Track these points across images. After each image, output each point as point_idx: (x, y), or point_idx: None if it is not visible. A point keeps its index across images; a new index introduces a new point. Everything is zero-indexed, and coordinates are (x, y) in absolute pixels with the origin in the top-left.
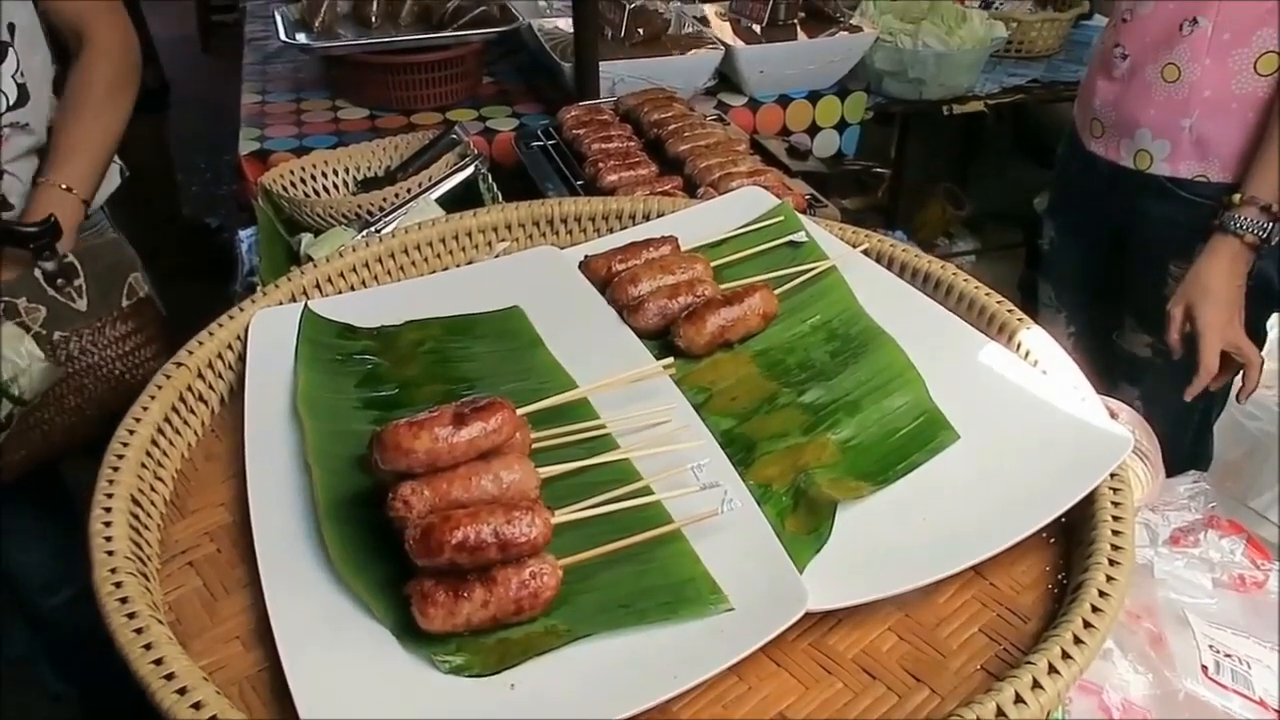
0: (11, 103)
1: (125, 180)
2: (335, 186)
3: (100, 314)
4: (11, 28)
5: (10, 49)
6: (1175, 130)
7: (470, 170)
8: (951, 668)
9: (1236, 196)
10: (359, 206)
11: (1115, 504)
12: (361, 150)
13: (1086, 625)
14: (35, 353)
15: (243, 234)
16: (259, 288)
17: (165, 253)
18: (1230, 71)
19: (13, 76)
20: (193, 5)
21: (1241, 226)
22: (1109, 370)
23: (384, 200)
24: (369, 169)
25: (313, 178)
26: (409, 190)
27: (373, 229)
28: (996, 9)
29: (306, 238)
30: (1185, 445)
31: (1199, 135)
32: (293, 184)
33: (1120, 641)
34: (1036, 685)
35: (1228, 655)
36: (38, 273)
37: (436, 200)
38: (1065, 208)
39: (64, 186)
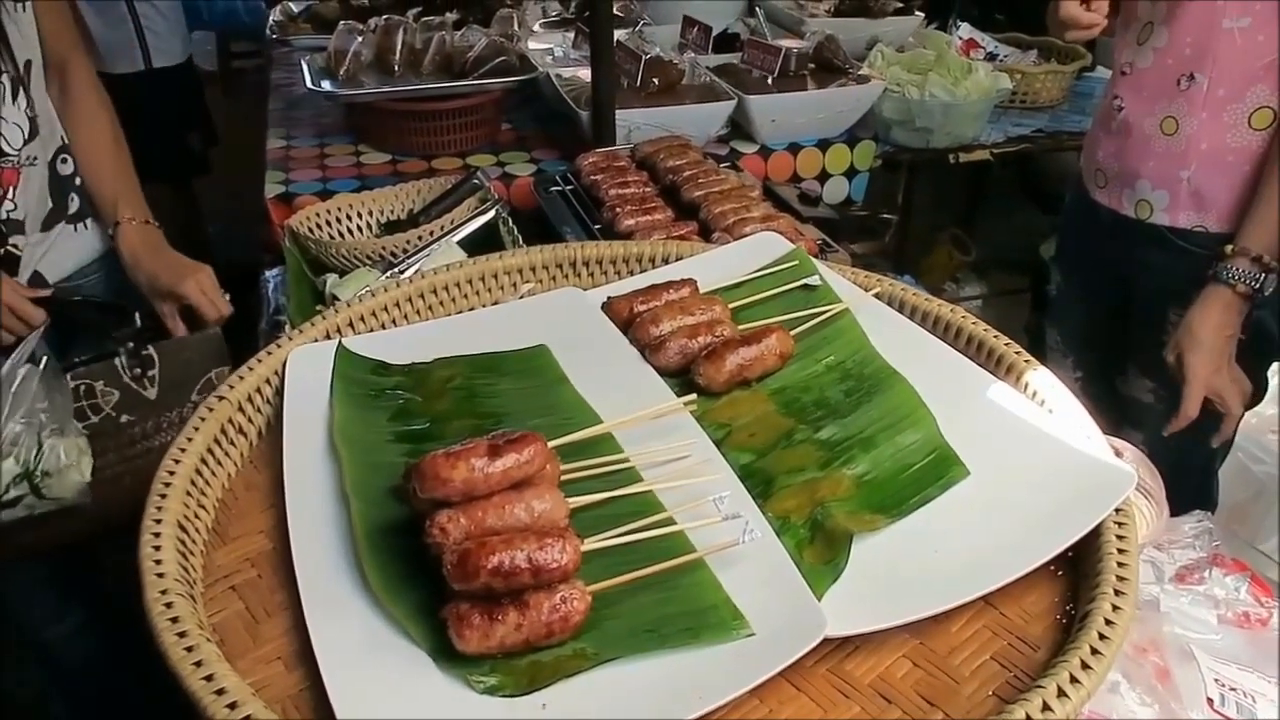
0: (26, 136)
1: None
2: (359, 229)
3: (170, 404)
4: (28, 64)
5: (23, 86)
6: (1174, 181)
7: (491, 214)
8: (964, 693)
9: (1229, 247)
10: (383, 248)
11: (1120, 538)
12: (385, 194)
13: (1094, 652)
14: (82, 474)
15: (268, 274)
16: (287, 326)
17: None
18: (1226, 125)
19: (25, 111)
20: (214, 50)
21: (1233, 277)
22: (1113, 414)
23: (407, 242)
24: (392, 212)
25: (337, 220)
26: (431, 233)
27: (396, 270)
28: (1001, 61)
29: (332, 278)
30: (1189, 489)
31: (1196, 187)
32: (318, 226)
33: (1128, 674)
34: (1046, 708)
35: (1232, 689)
36: (118, 362)
37: (458, 243)
38: (1071, 255)
39: (144, 220)
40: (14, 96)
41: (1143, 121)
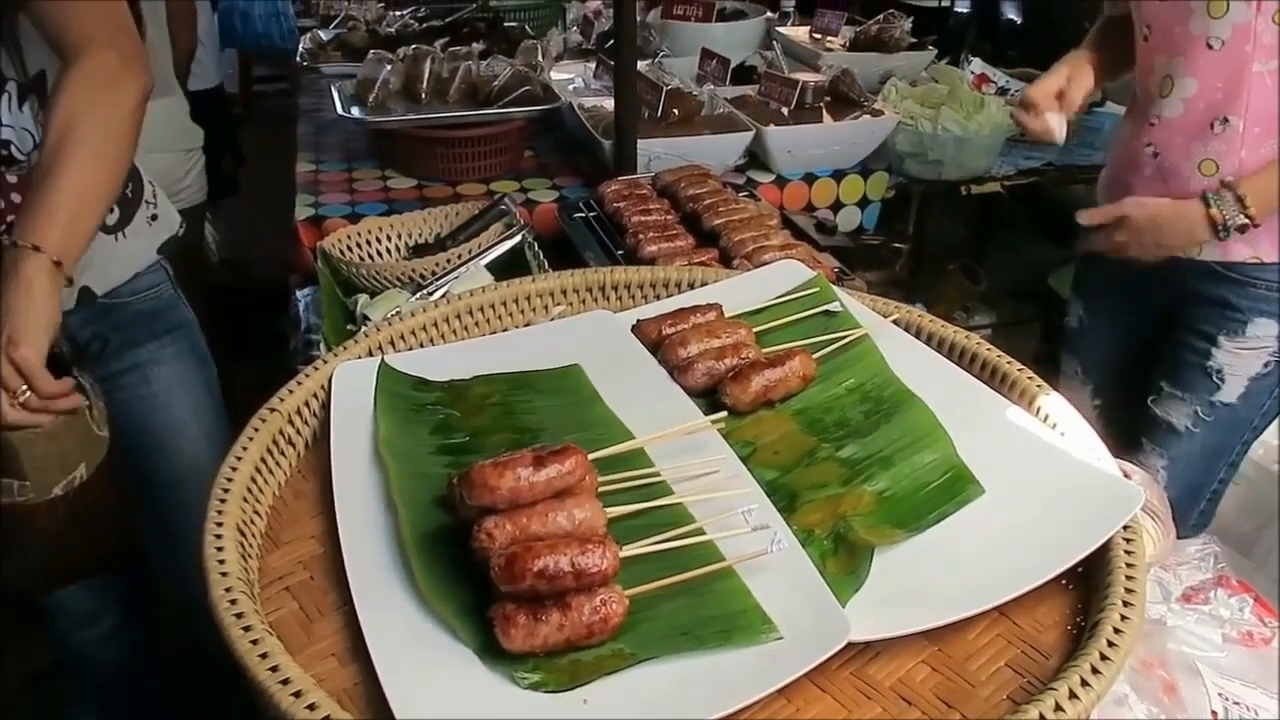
0: (38, 141)
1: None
2: (388, 251)
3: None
4: (41, 74)
5: (34, 93)
6: None
7: (518, 239)
8: (980, 696)
9: (1230, 179)
10: (413, 270)
11: (1128, 553)
12: (413, 218)
13: (1103, 658)
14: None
15: (299, 294)
16: (322, 344)
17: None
18: (1264, 159)
19: (35, 118)
20: (235, 72)
21: (1217, 202)
22: (1135, 438)
23: (436, 265)
24: (420, 236)
25: (367, 243)
26: (459, 256)
27: (425, 291)
28: (1012, 96)
29: (363, 298)
30: (1200, 509)
31: None
32: (348, 248)
33: (1136, 687)
34: (1058, 709)
35: (1236, 703)
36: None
37: (485, 266)
38: (1098, 291)
39: (32, 246)
40: (21, 103)
41: (1179, 166)
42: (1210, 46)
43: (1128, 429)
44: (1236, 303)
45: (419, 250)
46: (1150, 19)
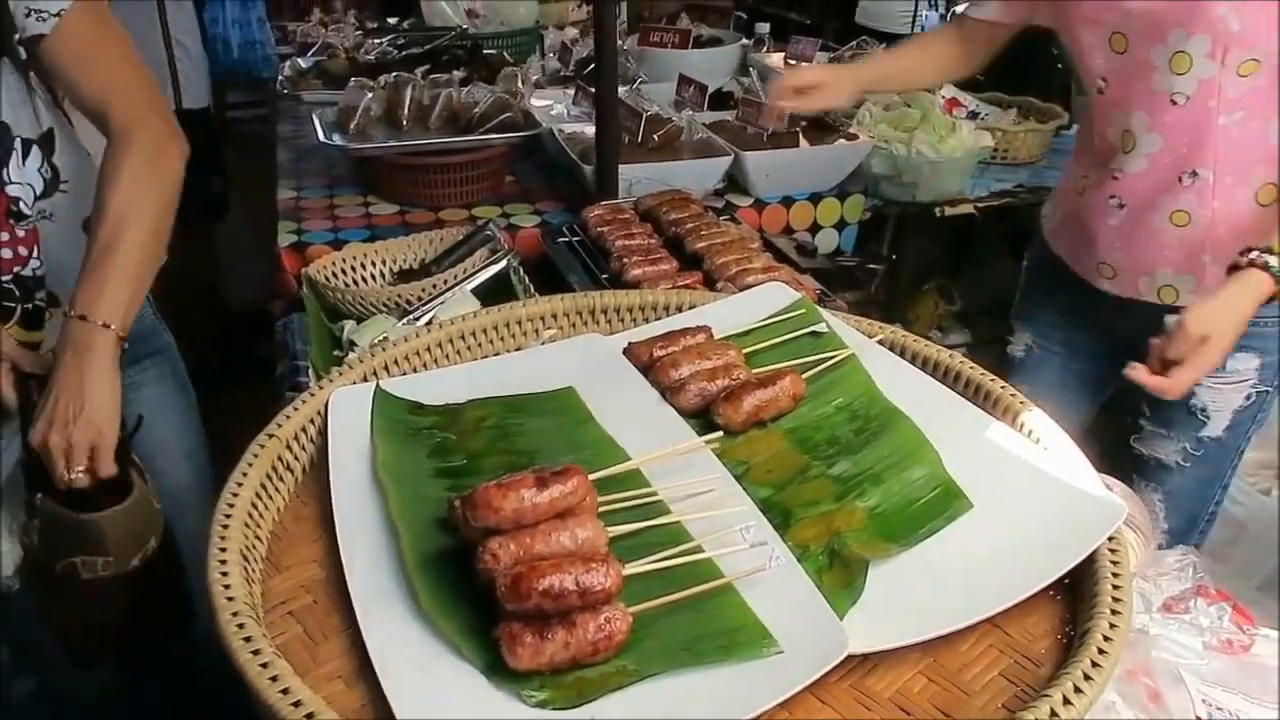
0: (40, 193)
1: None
2: (373, 277)
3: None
4: (50, 132)
5: (38, 147)
6: (1198, 266)
7: (503, 264)
8: (976, 705)
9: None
10: (399, 296)
11: (1114, 563)
12: (398, 244)
13: (1094, 665)
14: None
15: (280, 322)
16: (310, 371)
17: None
18: (1236, 207)
19: (39, 170)
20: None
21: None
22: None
23: (423, 290)
24: (405, 261)
25: (352, 269)
26: (445, 281)
27: (412, 316)
28: (983, 119)
29: (349, 324)
30: (1199, 529)
31: (1222, 266)
32: (333, 274)
33: (1123, 694)
34: (1054, 715)
35: (1219, 709)
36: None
37: (471, 291)
38: (1054, 322)
39: (103, 324)
40: (24, 157)
41: (1149, 218)
42: (1174, 102)
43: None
44: None
45: (404, 276)
46: (1106, 73)
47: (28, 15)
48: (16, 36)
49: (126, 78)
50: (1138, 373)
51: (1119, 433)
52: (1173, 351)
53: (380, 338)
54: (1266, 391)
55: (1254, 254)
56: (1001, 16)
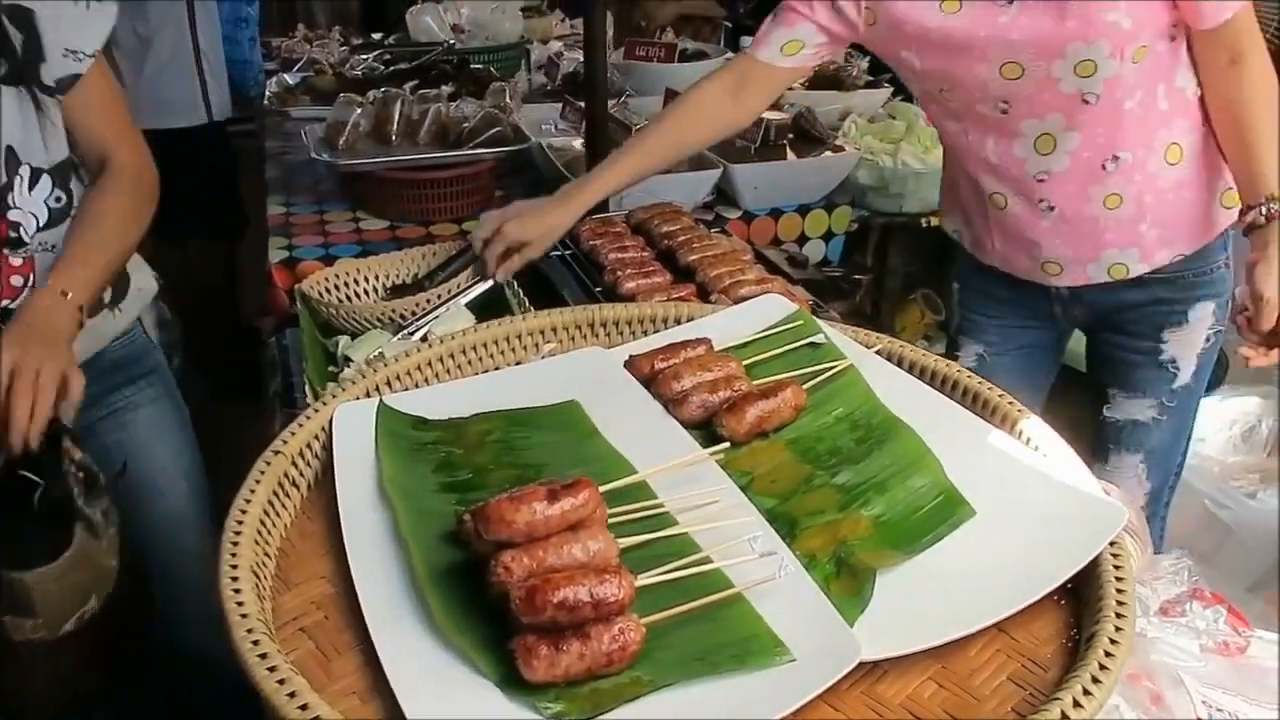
0: (42, 224)
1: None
2: (365, 293)
3: None
4: (61, 163)
5: (47, 176)
6: (1138, 237)
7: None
8: (986, 709)
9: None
10: (393, 311)
11: (1117, 566)
12: (390, 259)
13: (1102, 667)
14: None
15: (273, 339)
16: (306, 387)
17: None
18: (1155, 175)
19: (45, 201)
20: None
21: None
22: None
23: (416, 305)
24: (396, 276)
25: (344, 284)
26: (439, 296)
27: (406, 331)
28: None
29: (344, 340)
30: (1170, 485)
31: (1159, 229)
32: (326, 290)
33: (1126, 697)
34: (1064, 718)
35: (1219, 710)
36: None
37: (465, 305)
38: (1006, 329)
39: (61, 291)
40: (32, 187)
41: (1084, 209)
42: (1086, 101)
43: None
44: (1172, 297)
45: (396, 291)
46: (1005, 96)
47: (65, 55)
48: (50, 72)
49: (128, 124)
50: (1260, 359)
51: (1075, 411)
52: (1268, 324)
53: (376, 353)
54: (1220, 330)
55: (1263, 209)
56: (801, 64)
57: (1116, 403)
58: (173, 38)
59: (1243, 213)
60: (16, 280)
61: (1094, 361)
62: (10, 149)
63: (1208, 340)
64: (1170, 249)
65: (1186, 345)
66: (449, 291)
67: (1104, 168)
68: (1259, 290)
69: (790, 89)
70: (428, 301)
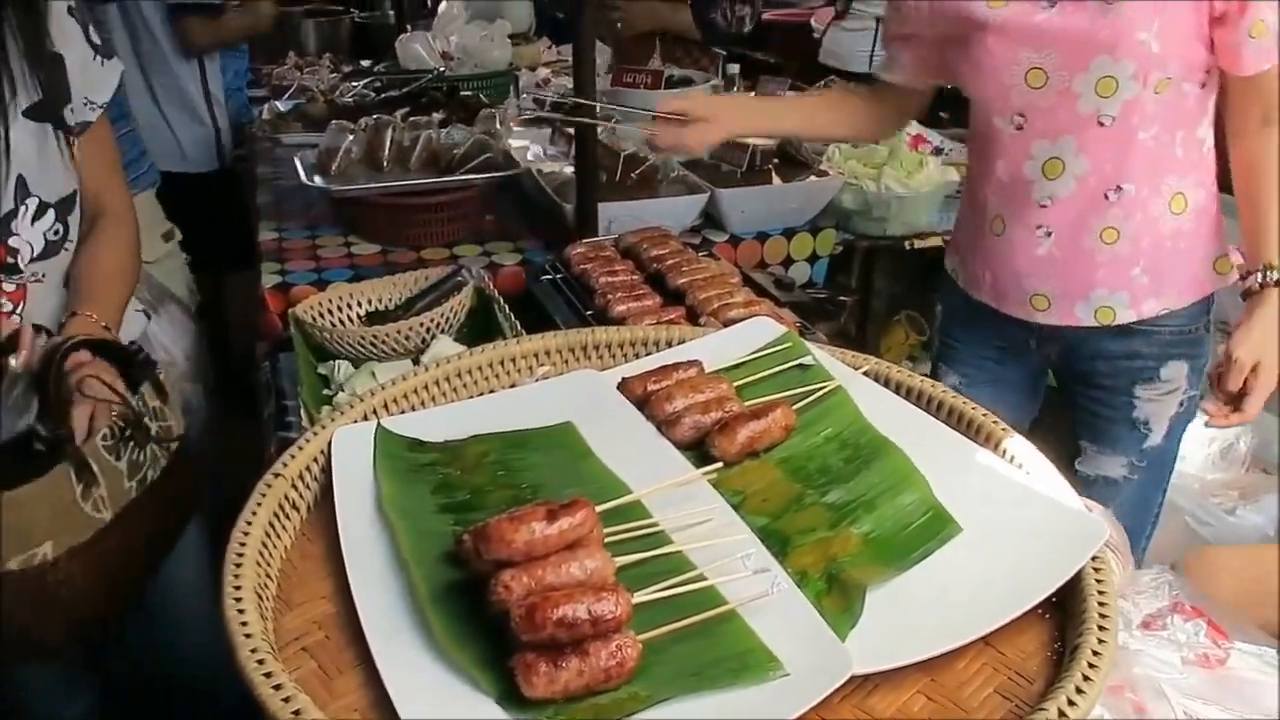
0: (37, 254)
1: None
2: (358, 318)
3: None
4: (68, 197)
5: (52, 210)
6: (1128, 280)
7: (467, 303)
8: None
9: (1267, 263)
10: (386, 335)
11: (1099, 581)
12: (382, 284)
13: (1085, 678)
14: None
15: (265, 364)
16: (301, 410)
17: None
18: (1155, 218)
19: (45, 233)
20: None
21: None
22: None
23: (398, 332)
24: (388, 301)
25: (337, 309)
26: (423, 324)
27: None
28: (947, 155)
29: (344, 365)
30: (1147, 534)
31: (1151, 278)
32: (319, 315)
33: (1110, 708)
34: None
35: None
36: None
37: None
38: (983, 362)
39: (94, 317)
40: (36, 219)
41: (1081, 240)
42: (1101, 124)
43: None
44: (1146, 352)
45: (374, 317)
46: (1023, 109)
47: (85, 104)
48: (72, 115)
49: (120, 175)
50: (1219, 419)
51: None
52: (1234, 385)
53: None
54: (1195, 394)
55: (1260, 276)
56: (907, 79)
57: (1088, 456)
58: (186, 84)
59: (1243, 275)
60: (7, 306)
61: (1070, 412)
62: (21, 178)
63: (1181, 405)
64: (1159, 300)
65: (1159, 406)
66: (434, 322)
67: (1106, 197)
68: (1231, 349)
69: None
70: (410, 330)
